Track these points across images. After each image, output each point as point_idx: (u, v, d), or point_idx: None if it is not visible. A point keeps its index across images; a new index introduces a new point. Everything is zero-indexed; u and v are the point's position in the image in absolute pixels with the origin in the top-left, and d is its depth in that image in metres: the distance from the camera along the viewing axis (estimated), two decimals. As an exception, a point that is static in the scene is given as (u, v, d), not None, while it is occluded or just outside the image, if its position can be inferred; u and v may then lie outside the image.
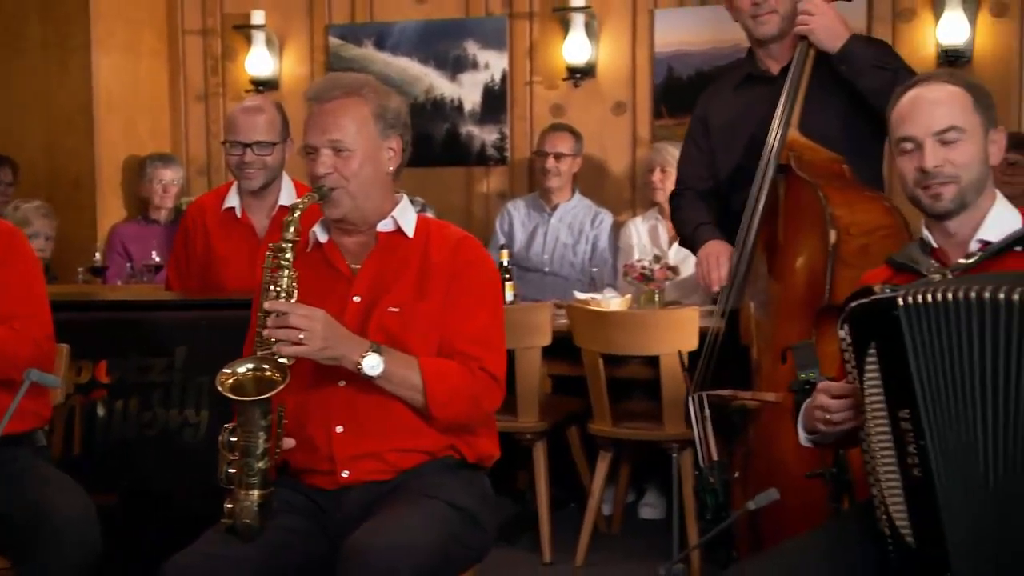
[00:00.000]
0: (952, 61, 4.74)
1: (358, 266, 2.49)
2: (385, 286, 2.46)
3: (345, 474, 2.39)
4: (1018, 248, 2.15)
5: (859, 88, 3.10)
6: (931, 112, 2.18)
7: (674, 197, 3.60)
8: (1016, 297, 1.83)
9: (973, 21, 4.77)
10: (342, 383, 2.40)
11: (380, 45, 5.66)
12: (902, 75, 3.04)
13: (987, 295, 1.86)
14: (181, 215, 4.55)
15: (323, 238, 2.52)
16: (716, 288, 3.28)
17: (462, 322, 2.44)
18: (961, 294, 1.87)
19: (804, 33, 3.12)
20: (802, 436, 2.30)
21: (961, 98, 2.19)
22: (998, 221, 2.20)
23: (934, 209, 2.20)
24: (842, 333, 2.07)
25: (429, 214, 4.94)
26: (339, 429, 2.39)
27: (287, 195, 3.44)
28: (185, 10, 5.94)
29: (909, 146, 2.20)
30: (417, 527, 2.22)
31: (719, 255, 3.27)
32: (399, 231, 2.51)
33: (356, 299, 2.45)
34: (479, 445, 2.51)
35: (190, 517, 2.39)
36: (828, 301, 2.83)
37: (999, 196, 2.25)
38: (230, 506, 2.26)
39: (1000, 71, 4.76)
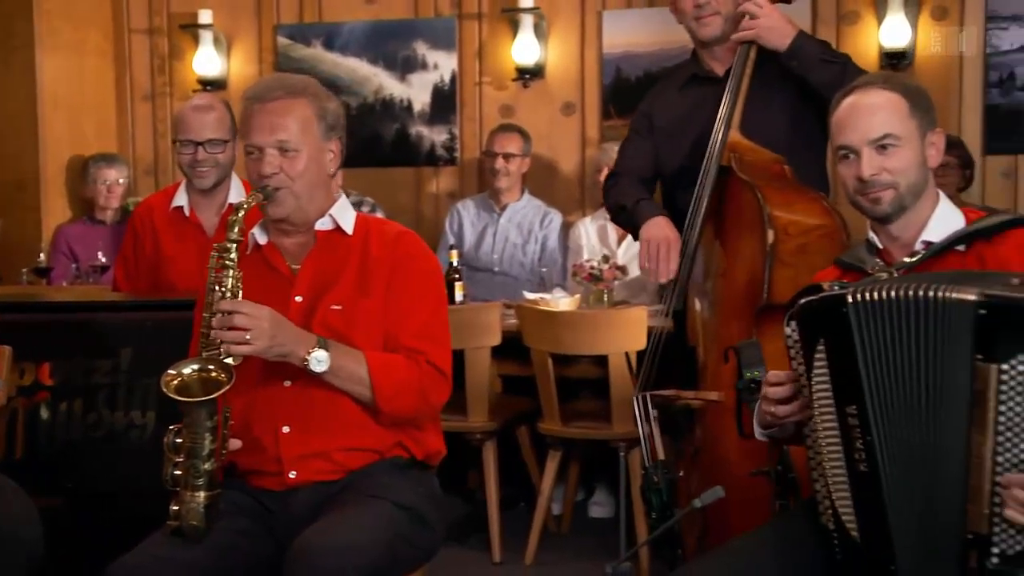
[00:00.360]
0: (895, 64, 4.81)
1: (298, 266, 2.49)
2: (326, 284, 2.46)
3: (293, 475, 2.38)
4: (960, 248, 2.18)
5: (810, 82, 3.11)
6: (868, 120, 2.21)
7: (610, 178, 3.53)
8: (943, 295, 1.87)
9: (915, 24, 4.85)
10: (288, 383, 2.40)
11: (329, 45, 5.64)
12: (851, 67, 3.10)
13: (921, 293, 1.89)
14: (128, 215, 4.50)
15: (262, 240, 2.52)
16: (664, 280, 3.22)
17: (405, 317, 2.44)
18: (903, 292, 1.91)
19: (751, 38, 3.13)
20: (757, 431, 2.32)
21: (897, 104, 2.22)
22: (942, 222, 2.23)
23: (874, 213, 2.24)
24: (788, 330, 2.10)
25: (379, 214, 4.93)
26: (286, 429, 2.39)
27: (236, 193, 3.42)
28: (131, 9, 5.88)
29: (847, 154, 2.24)
30: (364, 527, 2.21)
31: (669, 244, 3.17)
32: (338, 229, 2.51)
33: (298, 299, 2.45)
34: (426, 441, 2.52)
35: (135, 519, 2.37)
36: (767, 300, 2.85)
37: (943, 197, 2.28)
38: (176, 508, 2.25)
39: (940, 73, 4.84)
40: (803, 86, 3.14)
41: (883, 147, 2.20)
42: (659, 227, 3.22)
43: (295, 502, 2.38)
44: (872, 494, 1.96)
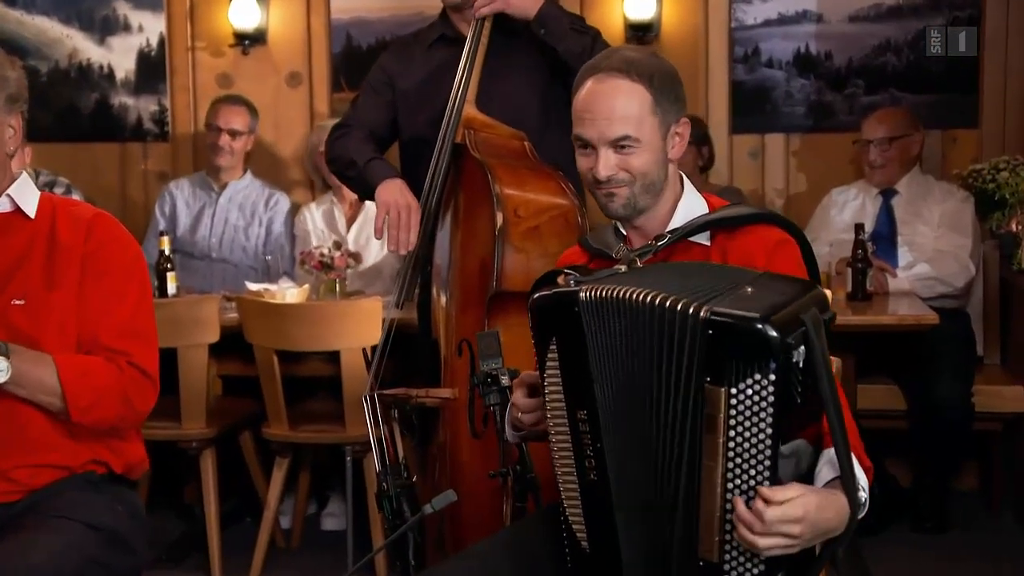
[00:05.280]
0: (640, 36, 4.99)
1: (-31, 255, 2.37)
2: (6, 276, 2.35)
3: (-38, 497, 2.28)
4: (705, 242, 2.26)
5: (559, 52, 3.17)
6: (608, 116, 2.21)
7: (338, 128, 3.48)
8: (674, 306, 1.87)
9: (648, -6, 5.02)
10: (-42, 392, 2.28)
11: (11, 1, 5.36)
12: (600, 41, 3.17)
13: (654, 300, 1.90)
14: None
15: None
16: (404, 251, 3.20)
17: (104, 313, 2.36)
18: (638, 295, 1.91)
19: (499, 10, 3.15)
20: (508, 432, 2.34)
21: (641, 99, 2.22)
22: (687, 212, 2.30)
23: (608, 211, 2.29)
24: (530, 321, 2.13)
25: (76, 197, 4.72)
26: (-46, 446, 2.27)
27: None
28: None
29: (584, 146, 2.26)
30: (47, 553, 2.13)
31: (411, 211, 3.16)
32: (18, 211, 2.41)
33: (-31, 292, 2.34)
34: (127, 452, 2.46)
35: None
36: (496, 288, 2.87)
37: (687, 186, 2.35)
38: None
39: (686, 46, 5.05)
40: (553, 58, 3.21)
41: (621, 147, 2.23)
42: (399, 192, 3.20)
43: (-33, 529, 2.27)
44: (601, 504, 2.00)
